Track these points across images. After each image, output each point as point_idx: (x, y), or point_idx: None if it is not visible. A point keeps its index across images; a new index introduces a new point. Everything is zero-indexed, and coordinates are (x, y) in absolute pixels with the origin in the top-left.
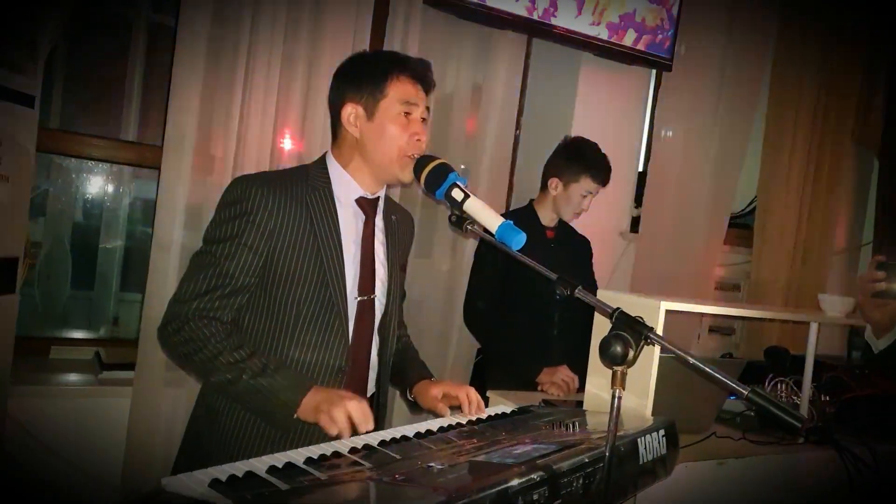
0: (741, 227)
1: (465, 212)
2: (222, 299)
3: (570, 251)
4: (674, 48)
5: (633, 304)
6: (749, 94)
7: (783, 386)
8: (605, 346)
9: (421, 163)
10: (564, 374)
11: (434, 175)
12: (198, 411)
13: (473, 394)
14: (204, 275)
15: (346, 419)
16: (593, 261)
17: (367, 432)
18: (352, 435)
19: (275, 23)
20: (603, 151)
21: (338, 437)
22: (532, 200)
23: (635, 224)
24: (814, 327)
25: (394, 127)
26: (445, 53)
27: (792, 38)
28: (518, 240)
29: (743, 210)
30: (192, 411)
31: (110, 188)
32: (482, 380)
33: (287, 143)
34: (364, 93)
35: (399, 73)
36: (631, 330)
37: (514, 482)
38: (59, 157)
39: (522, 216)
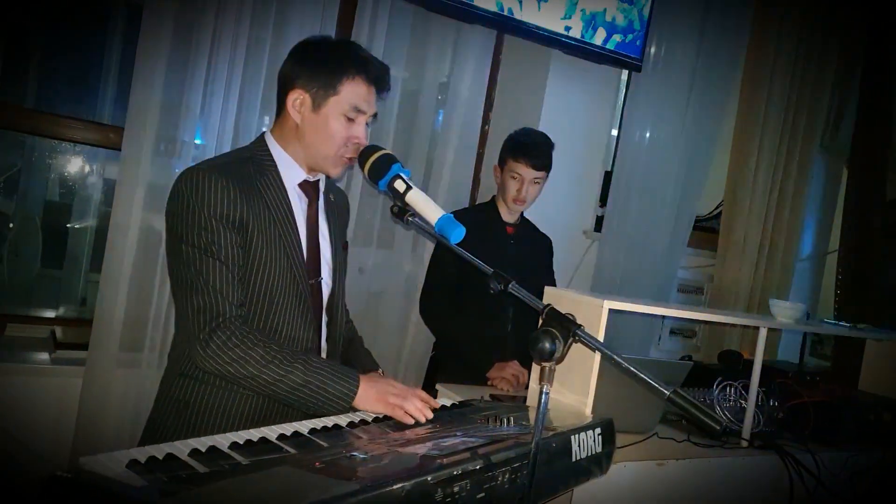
0: (707, 230)
1: (406, 203)
2: (239, 308)
3: (530, 248)
4: (643, 49)
5: (578, 303)
6: (719, 98)
7: (731, 390)
8: (534, 342)
9: (365, 153)
10: (514, 369)
11: (377, 166)
12: (161, 404)
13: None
14: (214, 279)
15: (419, 410)
16: (555, 258)
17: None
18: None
19: (241, 6)
20: (539, 136)
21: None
22: (494, 196)
23: (599, 223)
24: (762, 332)
25: (337, 125)
26: (413, 45)
27: (764, 45)
28: (457, 233)
29: (709, 213)
30: (153, 404)
31: (83, 168)
32: (437, 373)
33: (249, 127)
34: (316, 84)
35: (356, 74)
36: (560, 326)
37: (434, 474)
38: (32, 136)
39: (483, 211)
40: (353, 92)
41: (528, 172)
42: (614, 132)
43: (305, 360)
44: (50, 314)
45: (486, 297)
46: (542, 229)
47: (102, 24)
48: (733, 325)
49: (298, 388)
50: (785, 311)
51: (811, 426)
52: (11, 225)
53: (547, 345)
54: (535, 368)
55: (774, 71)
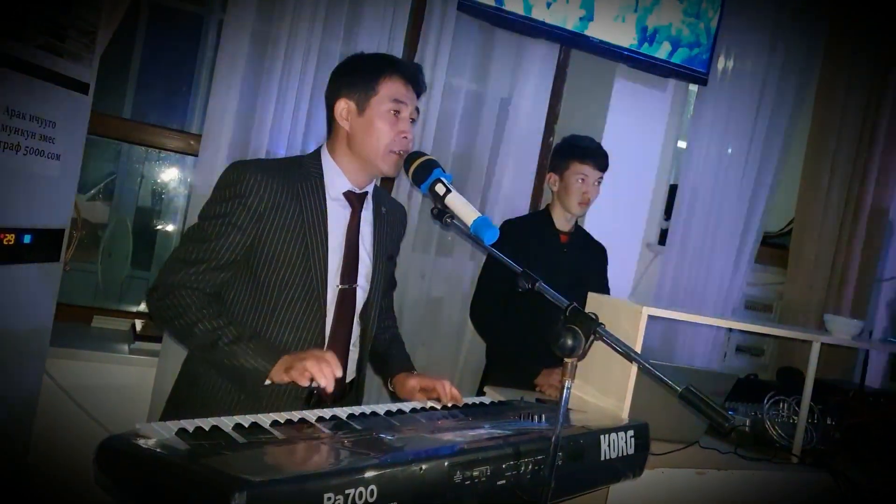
0: (778, 246)
1: (446, 205)
2: (207, 273)
3: (584, 256)
4: (710, 63)
5: (619, 308)
6: (790, 112)
7: (784, 405)
8: (556, 338)
9: (410, 158)
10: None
11: (420, 170)
12: (180, 377)
13: (449, 386)
14: (194, 248)
15: (318, 366)
16: (616, 269)
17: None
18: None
19: (314, 19)
20: (593, 139)
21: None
22: (548, 205)
23: (664, 237)
24: (815, 347)
25: (382, 123)
26: (477, 57)
27: (839, 57)
28: (490, 234)
29: (780, 230)
30: (176, 377)
31: (171, 175)
32: (488, 379)
33: (318, 135)
34: (357, 89)
35: (391, 73)
36: (582, 324)
37: (452, 458)
38: (128, 144)
39: (536, 220)
40: (391, 88)
41: (593, 173)
42: (682, 144)
43: (240, 326)
44: (133, 309)
45: (537, 305)
46: (604, 240)
47: (196, 39)
48: (803, 343)
49: (233, 341)
50: (840, 327)
51: (870, 447)
52: (107, 229)
53: (569, 341)
54: (580, 374)
55: (850, 83)
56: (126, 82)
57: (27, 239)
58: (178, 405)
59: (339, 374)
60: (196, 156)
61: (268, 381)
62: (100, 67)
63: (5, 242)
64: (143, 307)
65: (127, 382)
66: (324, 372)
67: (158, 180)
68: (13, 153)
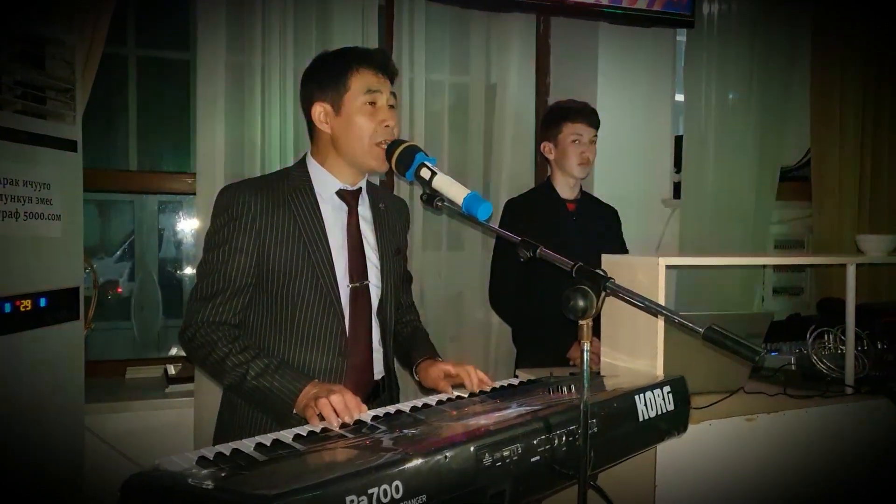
0: (800, 179)
1: (434, 189)
2: (225, 303)
3: (595, 222)
4: (694, 4)
5: (634, 265)
6: (788, 40)
7: (829, 336)
8: (566, 301)
9: (391, 148)
10: (594, 346)
11: (402, 158)
12: (222, 404)
13: (474, 371)
14: (207, 282)
15: (329, 410)
16: (635, 229)
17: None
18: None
19: (284, 42)
20: (578, 101)
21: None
22: (549, 177)
23: (678, 190)
24: (851, 270)
25: (361, 118)
26: (454, 45)
27: None
28: (483, 209)
29: (798, 162)
30: (215, 407)
31: (189, 223)
32: (520, 363)
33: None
34: (329, 90)
35: (358, 65)
36: (591, 282)
37: (478, 441)
38: (139, 196)
39: (539, 193)
40: (362, 80)
41: (587, 131)
42: (680, 98)
43: (267, 357)
44: (162, 355)
45: (555, 278)
46: (618, 202)
47: (185, 84)
48: (842, 270)
49: (260, 374)
50: (875, 245)
51: None
52: (134, 284)
53: (580, 302)
54: (610, 340)
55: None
56: (127, 137)
57: (43, 302)
58: (224, 432)
59: (354, 416)
60: (189, 194)
61: (295, 412)
62: (99, 126)
63: (23, 309)
64: (174, 352)
65: (168, 423)
66: (334, 406)
67: (176, 228)
68: (13, 220)
